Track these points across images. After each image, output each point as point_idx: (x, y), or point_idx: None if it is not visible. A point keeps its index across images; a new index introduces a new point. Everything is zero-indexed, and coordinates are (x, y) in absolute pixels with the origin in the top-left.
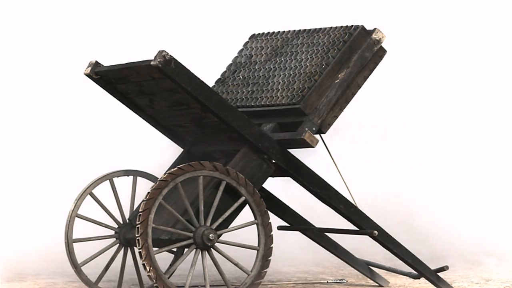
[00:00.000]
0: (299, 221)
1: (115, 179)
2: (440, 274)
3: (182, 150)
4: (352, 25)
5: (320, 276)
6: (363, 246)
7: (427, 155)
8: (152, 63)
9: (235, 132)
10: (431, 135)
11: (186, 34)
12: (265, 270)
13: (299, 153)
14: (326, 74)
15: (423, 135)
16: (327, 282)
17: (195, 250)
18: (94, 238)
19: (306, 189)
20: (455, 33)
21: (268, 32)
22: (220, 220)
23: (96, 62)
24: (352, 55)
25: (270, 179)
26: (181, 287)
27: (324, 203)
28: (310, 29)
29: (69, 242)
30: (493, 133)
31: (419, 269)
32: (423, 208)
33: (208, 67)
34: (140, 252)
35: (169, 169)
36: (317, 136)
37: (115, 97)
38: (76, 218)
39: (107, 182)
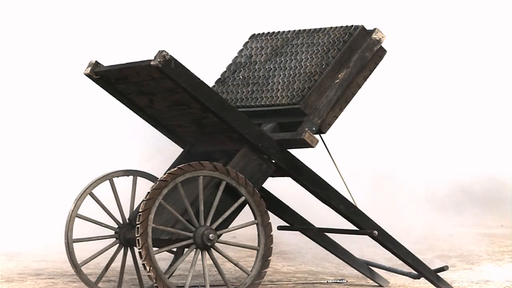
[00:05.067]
0: (299, 221)
1: (115, 179)
2: (440, 274)
3: (182, 150)
4: (352, 25)
5: (320, 276)
6: (363, 246)
7: (427, 155)
8: (152, 63)
9: (235, 132)
10: (431, 135)
11: (186, 34)
12: (265, 270)
13: (299, 153)
14: (326, 74)
15: (422, 134)
16: (327, 282)
17: (195, 250)
18: (94, 238)
19: (306, 189)
20: (455, 33)
21: (268, 32)
22: (220, 220)
23: (96, 62)
24: (352, 55)
25: (270, 179)
26: (181, 287)
27: (324, 203)
28: (310, 29)
29: (69, 242)
30: (493, 134)
31: (419, 269)
32: (422, 209)
33: (208, 67)
34: (140, 252)
35: (169, 169)
36: (317, 136)
37: (115, 97)
38: (76, 218)
39: (107, 182)
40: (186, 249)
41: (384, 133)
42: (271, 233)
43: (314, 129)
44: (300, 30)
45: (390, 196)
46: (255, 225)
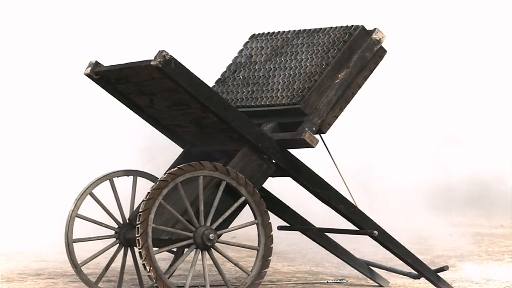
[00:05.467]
0: (299, 221)
1: (115, 179)
2: (440, 274)
3: (182, 150)
4: (352, 25)
5: (320, 276)
6: (363, 246)
7: (427, 159)
8: (152, 63)
9: (235, 132)
10: (431, 135)
11: (186, 34)
12: (265, 270)
13: (299, 153)
14: (326, 74)
15: (422, 134)
16: (327, 282)
17: (195, 250)
18: (94, 238)
19: (306, 189)
20: (454, 33)
21: (268, 32)
22: (220, 220)
23: (96, 62)
24: (352, 55)
25: (270, 179)
26: (181, 287)
27: (324, 203)
28: (310, 29)
29: (69, 242)
30: (493, 135)
31: (419, 269)
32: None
33: (208, 67)
34: (140, 252)
35: (169, 169)
36: (317, 136)
37: (115, 97)
38: (76, 218)
39: (107, 182)
40: (186, 249)
41: (373, 133)
42: (271, 233)
43: (314, 129)
44: (300, 30)
45: (377, 196)
46: (255, 225)
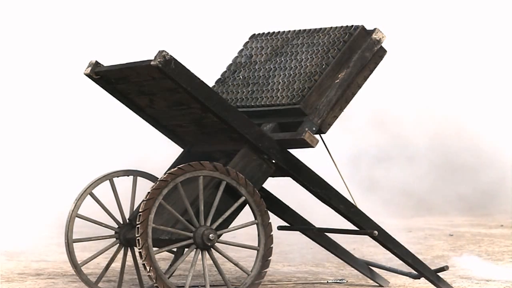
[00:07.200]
0: (299, 221)
1: (115, 179)
2: (440, 274)
3: (182, 150)
4: (352, 25)
5: (320, 276)
6: (363, 246)
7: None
8: (152, 63)
9: (235, 132)
10: (431, 135)
11: (186, 34)
12: (265, 270)
13: (299, 153)
14: (326, 74)
15: (423, 133)
16: (327, 282)
17: (195, 250)
18: (94, 238)
19: (306, 189)
20: (454, 33)
21: (268, 32)
22: (220, 220)
23: (96, 62)
24: (352, 55)
25: (270, 179)
26: (181, 287)
27: (324, 203)
28: (310, 29)
29: (69, 242)
30: (493, 135)
31: (419, 269)
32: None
33: (208, 67)
34: (140, 252)
35: (169, 169)
36: (317, 136)
37: (115, 97)
38: (76, 218)
39: (107, 182)
40: (186, 249)
41: (383, 133)
42: (271, 233)
43: (314, 129)
44: (300, 30)
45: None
46: (255, 225)
